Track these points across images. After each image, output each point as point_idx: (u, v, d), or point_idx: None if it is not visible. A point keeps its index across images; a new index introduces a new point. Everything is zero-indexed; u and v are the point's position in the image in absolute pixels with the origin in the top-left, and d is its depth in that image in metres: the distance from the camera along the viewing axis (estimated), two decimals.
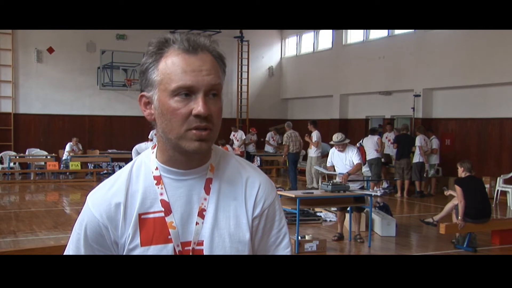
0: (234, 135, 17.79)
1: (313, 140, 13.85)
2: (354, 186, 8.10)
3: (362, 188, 8.35)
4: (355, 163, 8.13)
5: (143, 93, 1.40)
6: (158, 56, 1.36)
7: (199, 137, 1.34)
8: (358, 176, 8.54)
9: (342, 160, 8.23)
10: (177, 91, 1.33)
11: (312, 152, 14.06)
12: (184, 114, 1.33)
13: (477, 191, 7.78)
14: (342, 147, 8.23)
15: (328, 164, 8.60)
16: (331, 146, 8.62)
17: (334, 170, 8.42)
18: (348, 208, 8.26)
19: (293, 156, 13.92)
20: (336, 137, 8.26)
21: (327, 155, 9.18)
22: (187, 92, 1.33)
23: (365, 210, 8.51)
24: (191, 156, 1.39)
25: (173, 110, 1.33)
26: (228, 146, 16.20)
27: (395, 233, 8.59)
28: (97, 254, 1.41)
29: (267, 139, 18.64)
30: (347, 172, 8.03)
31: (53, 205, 11.98)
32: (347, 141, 8.33)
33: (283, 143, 14.55)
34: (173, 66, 1.34)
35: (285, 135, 14.30)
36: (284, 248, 1.50)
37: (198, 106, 1.32)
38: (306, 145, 14.66)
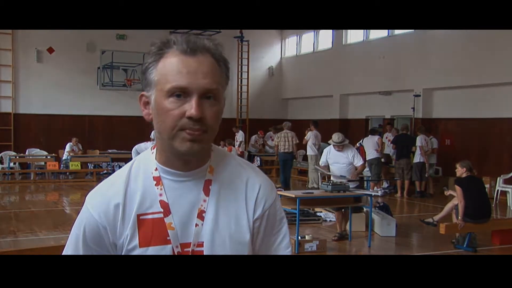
0: (235, 135, 17.79)
1: (306, 139, 13.98)
2: (351, 186, 8.10)
3: (358, 187, 8.35)
4: (358, 165, 8.18)
5: (143, 93, 1.41)
6: (158, 57, 1.36)
7: (192, 136, 1.33)
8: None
9: (339, 158, 8.22)
10: (171, 91, 1.32)
11: (308, 151, 14.16)
12: (177, 116, 1.32)
13: (477, 191, 7.78)
14: (341, 147, 8.23)
15: (322, 164, 8.57)
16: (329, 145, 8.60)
17: (328, 169, 8.41)
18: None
19: (282, 156, 13.99)
20: (338, 138, 8.24)
21: None
22: (182, 94, 1.32)
23: (364, 210, 8.50)
24: (185, 158, 1.39)
25: (167, 110, 1.33)
26: (232, 147, 16.20)
27: (395, 233, 8.59)
28: (95, 254, 1.41)
29: (265, 138, 18.68)
30: (356, 166, 8.19)
31: (53, 205, 11.98)
32: (346, 141, 8.34)
33: (274, 143, 14.71)
34: (170, 66, 1.34)
35: (276, 135, 14.41)
36: (284, 248, 1.50)
37: (191, 108, 1.31)
38: (305, 146, 14.67)
